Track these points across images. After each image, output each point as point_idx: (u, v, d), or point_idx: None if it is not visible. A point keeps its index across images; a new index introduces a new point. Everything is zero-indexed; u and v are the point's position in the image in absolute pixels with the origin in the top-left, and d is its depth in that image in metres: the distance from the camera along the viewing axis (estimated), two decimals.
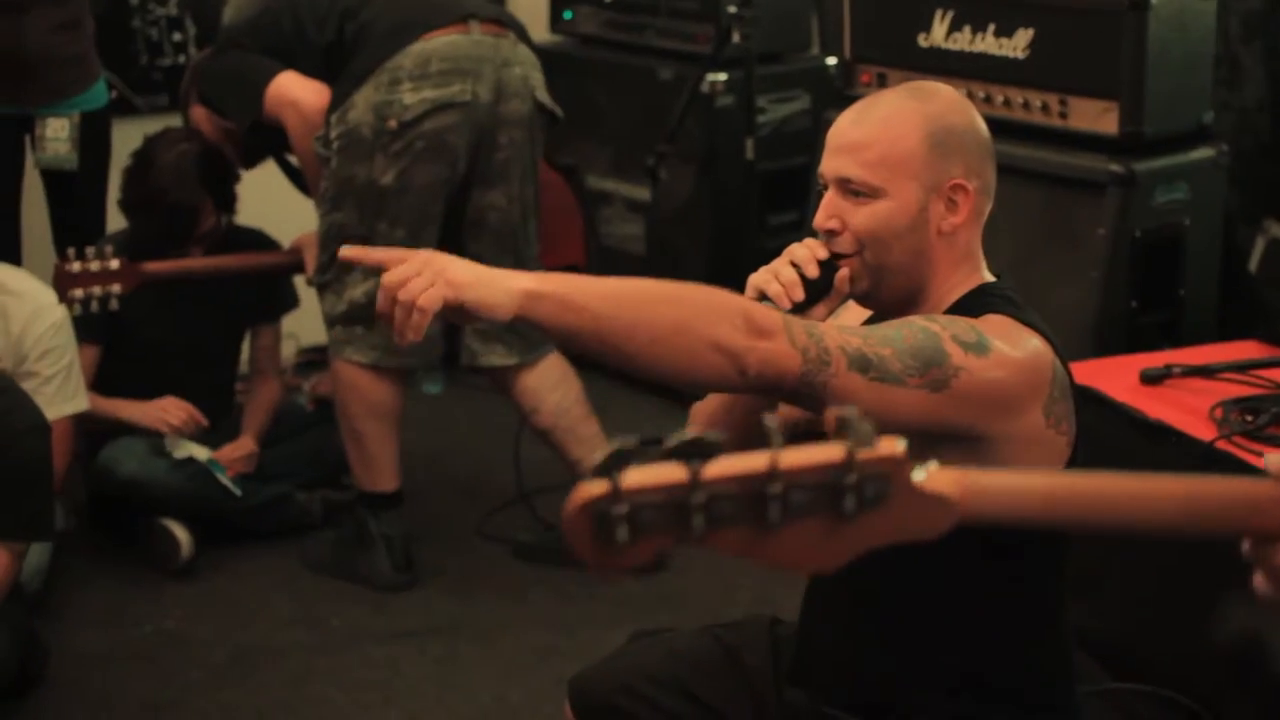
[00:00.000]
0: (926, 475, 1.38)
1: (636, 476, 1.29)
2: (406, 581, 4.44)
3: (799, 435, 2.59)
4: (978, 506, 1.47)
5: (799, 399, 2.16)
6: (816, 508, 1.32)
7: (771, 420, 1.31)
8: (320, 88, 4.35)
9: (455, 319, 2.12)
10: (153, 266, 4.51)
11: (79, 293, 4.36)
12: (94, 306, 4.39)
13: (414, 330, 2.07)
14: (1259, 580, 1.59)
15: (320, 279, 4.43)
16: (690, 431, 1.30)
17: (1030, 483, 1.54)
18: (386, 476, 4.46)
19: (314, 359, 5.96)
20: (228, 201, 4.73)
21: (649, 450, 1.31)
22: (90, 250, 4.38)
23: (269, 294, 4.90)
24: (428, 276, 2.05)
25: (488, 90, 4.29)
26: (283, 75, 4.39)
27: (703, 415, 2.55)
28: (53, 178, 4.85)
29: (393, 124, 4.23)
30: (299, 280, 4.86)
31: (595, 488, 1.29)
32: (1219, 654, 3.10)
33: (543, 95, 4.43)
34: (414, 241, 4.19)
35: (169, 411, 4.60)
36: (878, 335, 2.18)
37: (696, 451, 1.29)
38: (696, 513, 1.29)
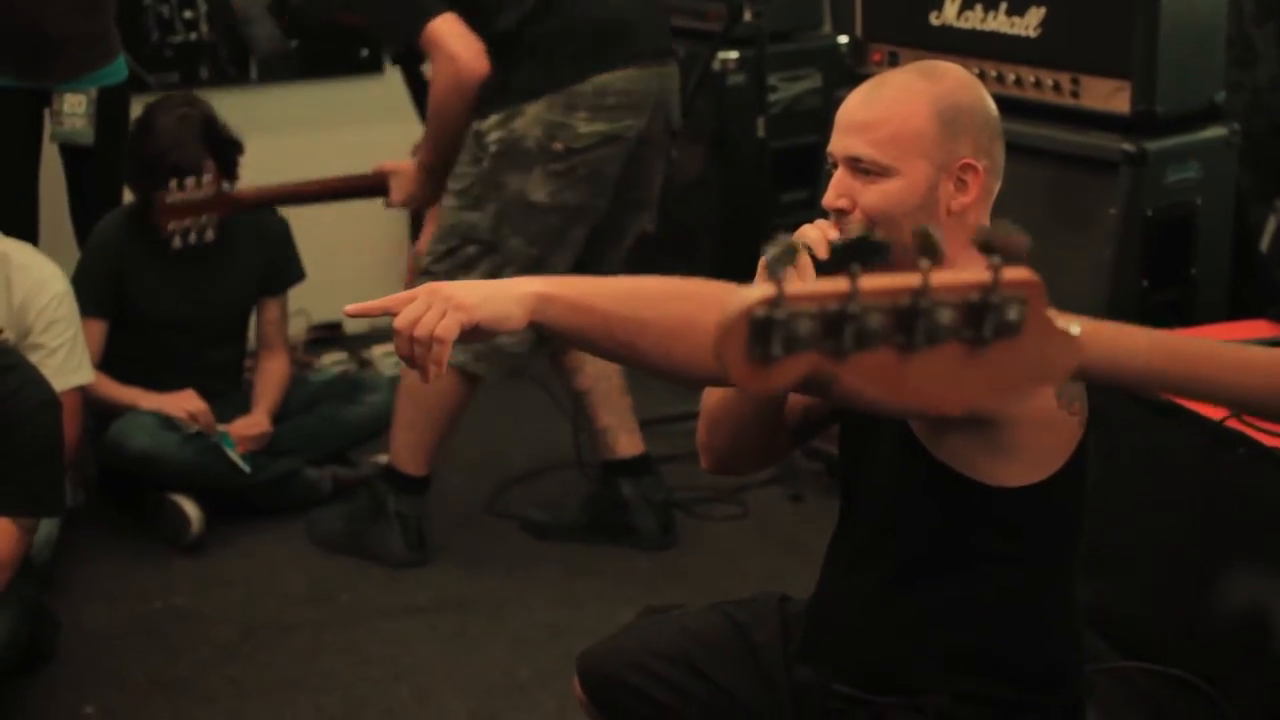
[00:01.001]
0: (1060, 316, 1.38)
1: (799, 286, 1.27)
2: (418, 560, 4.44)
3: (818, 422, 2.61)
4: (1097, 353, 1.47)
5: (810, 389, 2.15)
6: (956, 330, 1.31)
7: (933, 230, 1.31)
8: (482, 53, 4.21)
9: (474, 339, 2.12)
10: (242, 191, 4.52)
11: (180, 224, 4.38)
12: (192, 239, 4.43)
13: (436, 364, 2.07)
14: None
15: (432, 267, 4.31)
16: (855, 227, 1.31)
17: (1143, 336, 1.55)
18: (422, 464, 4.44)
19: (324, 335, 5.97)
20: (229, 166, 4.71)
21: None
22: (189, 181, 4.39)
23: (275, 267, 4.89)
24: (438, 307, 2.06)
25: (646, 121, 4.30)
26: (452, 21, 4.22)
27: (714, 399, 2.55)
28: (70, 152, 4.86)
29: (560, 147, 4.20)
30: (322, 242, 4.85)
31: (762, 292, 1.27)
32: (1225, 626, 3.11)
33: (677, 116, 4.45)
34: (542, 263, 4.20)
35: (189, 403, 4.60)
36: None
37: (860, 253, 1.29)
38: (850, 325, 1.28)
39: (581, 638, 3.08)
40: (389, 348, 5.77)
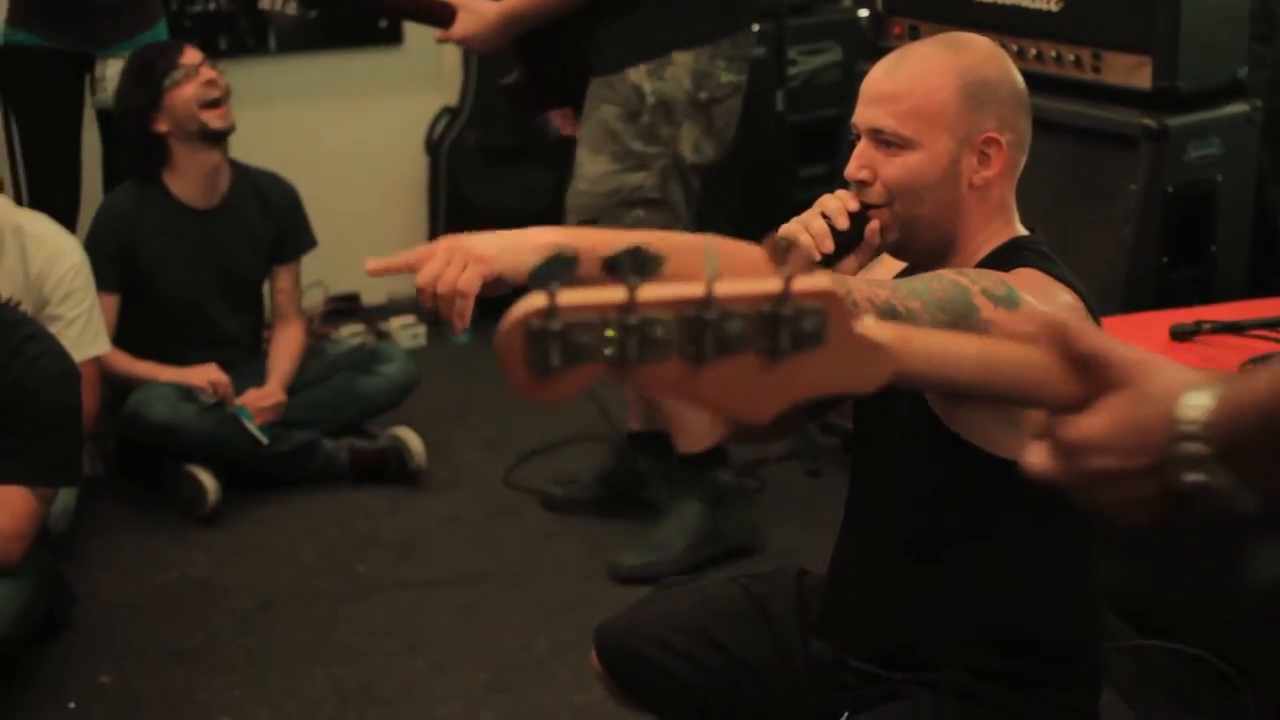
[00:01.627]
0: (864, 324, 1.34)
1: (573, 296, 1.24)
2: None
3: (825, 405, 2.61)
4: (912, 365, 1.44)
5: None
6: (749, 342, 1.26)
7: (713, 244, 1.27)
8: None
9: (496, 290, 2.11)
10: None
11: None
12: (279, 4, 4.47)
13: (460, 316, 2.08)
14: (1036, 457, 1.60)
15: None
16: (633, 241, 1.25)
17: (964, 347, 1.51)
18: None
19: (341, 307, 5.97)
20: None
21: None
22: None
23: (284, 234, 4.90)
24: (458, 262, 2.07)
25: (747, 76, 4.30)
26: None
27: None
28: (109, 119, 4.87)
29: (704, 96, 4.15)
30: (340, 213, 4.85)
31: (533, 302, 1.24)
32: (1248, 603, 3.10)
33: None
34: (685, 219, 4.19)
35: (210, 373, 4.60)
36: (907, 288, 2.17)
37: (635, 265, 1.23)
38: (630, 337, 1.24)
39: (598, 610, 3.09)
40: (406, 319, 5.79)
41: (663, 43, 4.11)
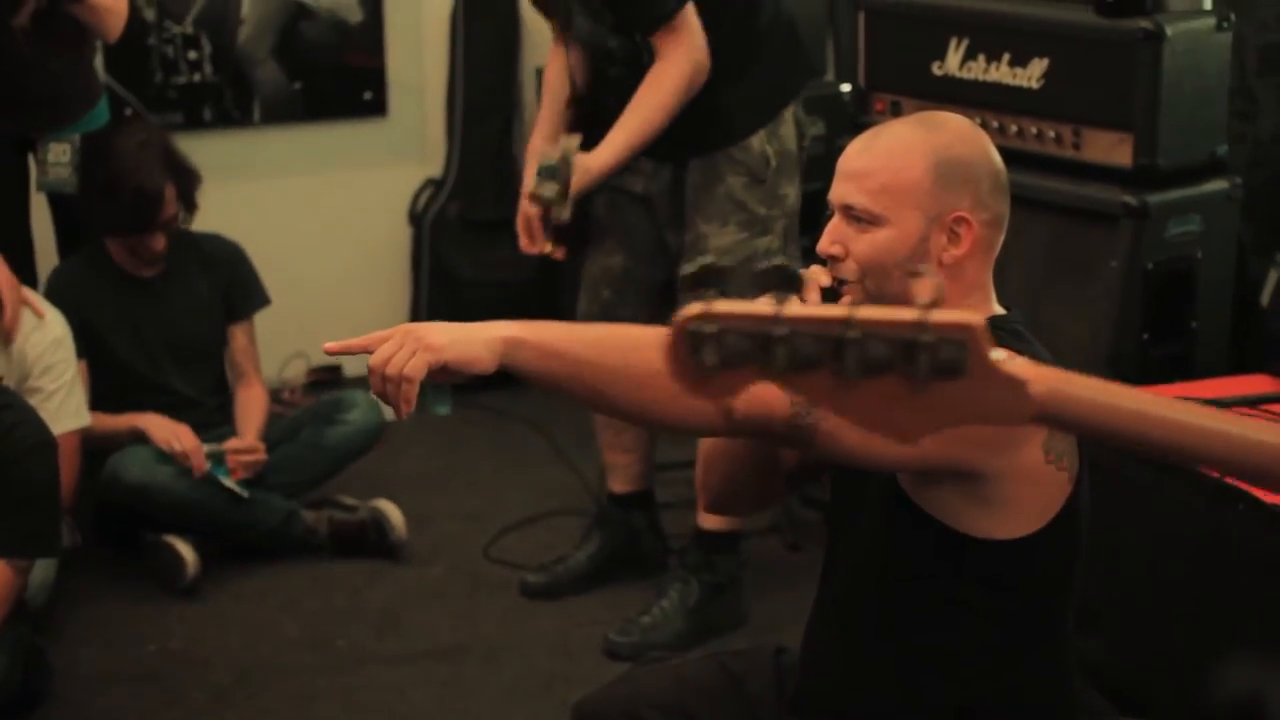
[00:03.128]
0: (1006, 360, 1.37)
1: (726, 304, 1.34)
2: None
3: (814, 467, 2.61)
4: (1059, 409, 1.46)
5: (788, 441, 2.18)
6: (892, 364, 1.32)
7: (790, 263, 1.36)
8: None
9: (444, 379, 2.18)
10: None
11: None
12: None
13: (405, 401, 2.15)
14: None
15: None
16: (777, 260, 1.37)
17: (1119, 400, 1.52)
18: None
19: (323, 379, 5.96)
20: (189, 194, 4.70)
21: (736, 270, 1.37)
22: None
23: (233, 293, 4.89)
24: (409, 347, 2.14)
25: None
26: (693, 8, 3.99)
27: (710, 440, 2.55)
28: (57, 200, 4.86)
29: (806, 142, 4.24)
30: (322, 284, 4.85)
31: (694, 308, 1.34)
32: (1223, 685, 3.09)
33: None
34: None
35: (180, 438, 4.59)
36: None
37: (781, 280, 1.34)
38: (779, 346, 1.33)
39: (577, 687, 3.08)
40: None
41: (779, 102, 4.17)
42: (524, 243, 4.19)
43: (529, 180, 4.14)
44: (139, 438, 4.60)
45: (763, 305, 1.33)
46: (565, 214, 4.01)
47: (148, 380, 4.74)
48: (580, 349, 2.14)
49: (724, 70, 4.10)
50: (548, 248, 4.17)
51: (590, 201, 4.25)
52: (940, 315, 1.31)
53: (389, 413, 2.33)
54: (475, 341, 2.14)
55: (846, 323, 1.31)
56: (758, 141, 4.16)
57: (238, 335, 4.91)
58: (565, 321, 2.36)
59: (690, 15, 3.98)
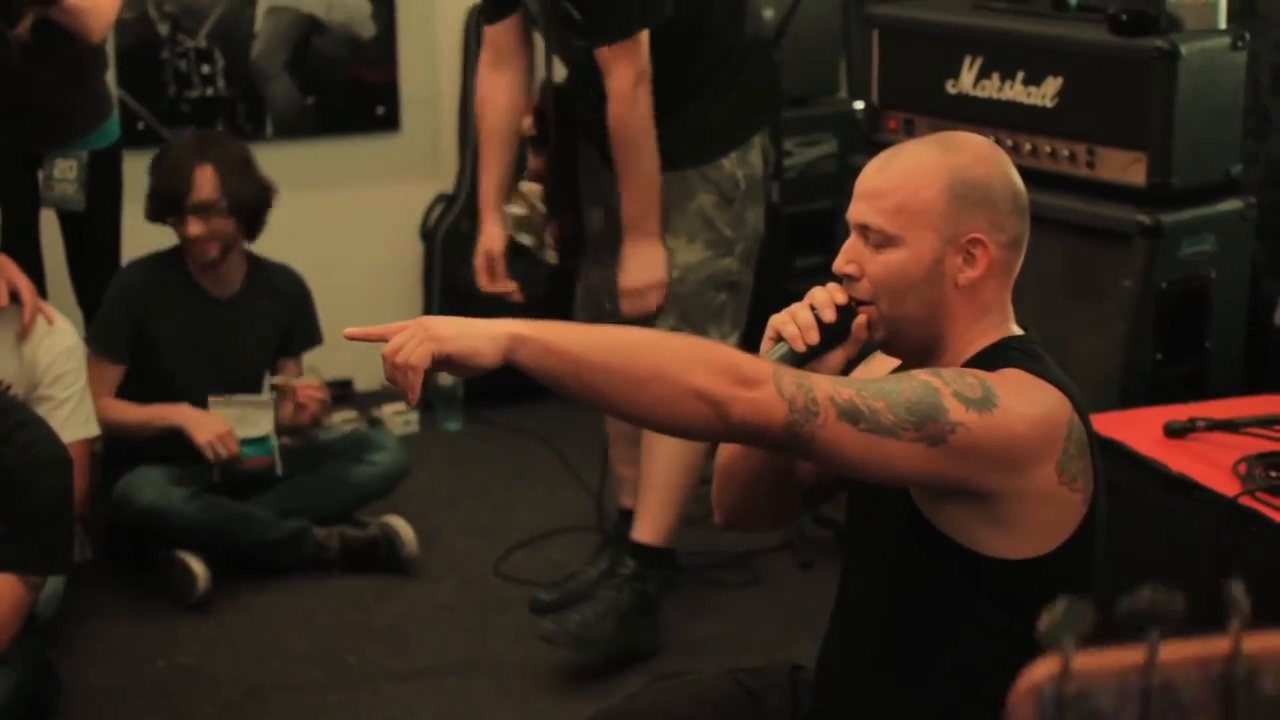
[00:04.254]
0: None
1: (1089, 660, 1.11)
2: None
3: (830, 485, 2.60)
4: None
5: (787, 448, 2.20)
6: None
7: (1238, 589, 1.15)
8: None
9: (448, 370, 2.24)
10: None
11: None
12: None
13: (410, 389, 2.20)
14: None
15: (680, 327, 4.18)
16: (1146, 592, 1.12)
17: None
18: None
19: (334, 394, 5.95)
20: (245, 202, 4.72)
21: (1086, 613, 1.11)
22: None
23: (293, 328, 4.91)
24: (417, 337, 2.19)
25: None
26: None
27: (726, 456, 2.55)
28: (65, 216, 4.86)
29: (770, 170, 4.36)
30: (335, 301, 5.03)
31: (1046, 667, 1.13)
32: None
33: None
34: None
35: (219, 441, 4.60)
36: (873, 388, 2.19)
37: (1154, 616, 1.11)
38: (1157, 701, 1.12)
39: (588, 702, 3.07)
40: (398, 406, 5.78)
41: (750, 128, 4.24)
42: (483, 281, 4.34)
43: (489, 231, 4.29)
44: (166, 434, 4.61)
45: (1129, 654, 1.12)
46: (552, 257, 4.06)
47: (185, 396, 4.72)
48: (582, 348, 2.17)
49: (701, 91, 4.18)
50: (511, 287, 4.32)
51: (587, 216, 4.29)
52: None
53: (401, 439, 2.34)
54: (480, 335, 2.18)
55: (1232, 658, 1.12)
56: (729, 164, 4.22)
57: (288, 368, 4.92)
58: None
59: (642, 38, 4.03)
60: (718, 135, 4.20)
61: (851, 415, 2.14)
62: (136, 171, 4.94)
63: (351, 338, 2.29)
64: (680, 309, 4.21)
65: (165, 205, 4.66)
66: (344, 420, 5.65)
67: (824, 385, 2.16)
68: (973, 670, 2.37)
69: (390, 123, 6.11)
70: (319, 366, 5.62)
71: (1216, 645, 1.13)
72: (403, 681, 4.16)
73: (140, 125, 5.64)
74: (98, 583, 4.59)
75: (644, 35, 4.03)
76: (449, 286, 6.04)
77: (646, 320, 4.11)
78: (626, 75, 4.01)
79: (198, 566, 4.50)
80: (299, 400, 4.72)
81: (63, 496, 3.76)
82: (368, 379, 6.03)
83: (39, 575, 3.72)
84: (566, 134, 4.26)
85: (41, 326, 4.31)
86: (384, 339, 2.22)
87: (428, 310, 6.09)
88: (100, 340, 4.64)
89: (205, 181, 4.63)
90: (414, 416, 5.80)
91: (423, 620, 4.47)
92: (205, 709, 4.03)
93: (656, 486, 4.25)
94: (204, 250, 4.66)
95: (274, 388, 4.79)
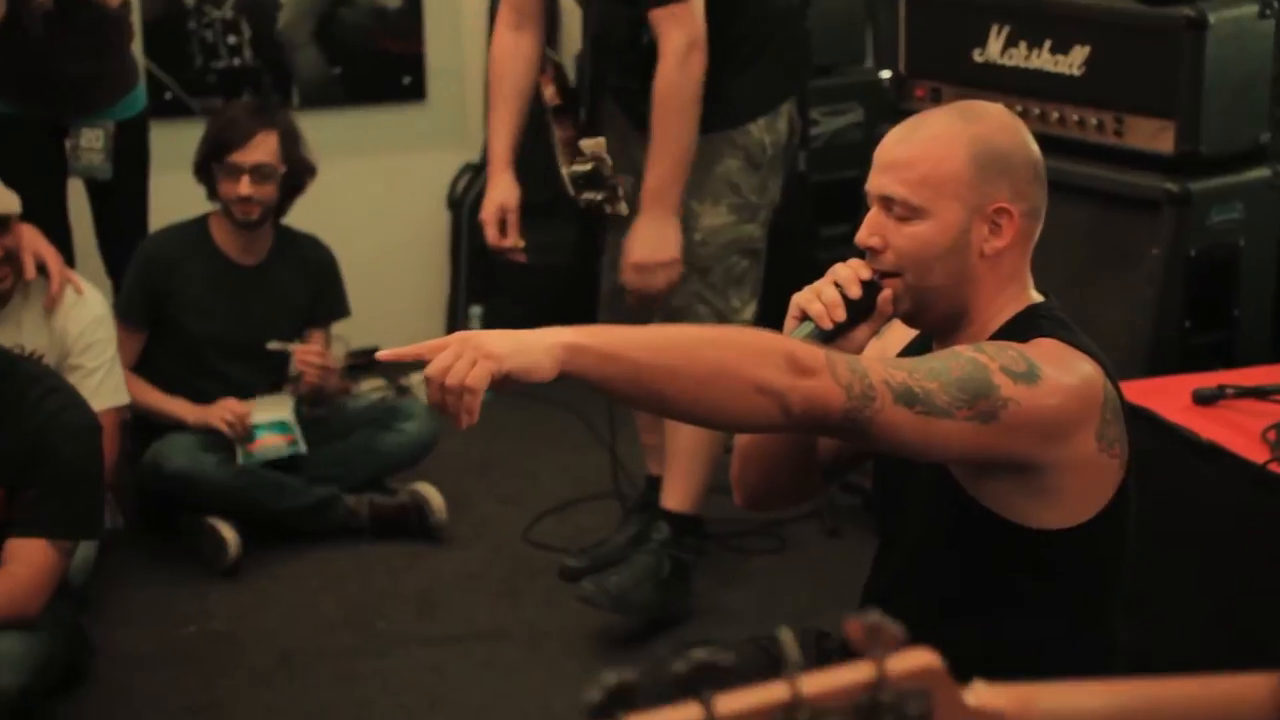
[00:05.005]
0: (974, 694, 1.28)
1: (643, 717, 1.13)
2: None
3: (849, 461, 2.61)
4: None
5: (844, 434, 2.19)
6: None
7: (787, 636, 1.16)
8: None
9: (503, 389, 2.14)
10: None
11: None
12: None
13: (468, 412, 2.11)
14: None
15: (703, 291, 4.22)
16: (697, 653, 1.13)
17: (1090, 701, 1.47)
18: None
19: (362, 362, 5.97)
20: (294, 173, 4.78)
21: (653, 682, 1.12)
22: None
23: (320, 299, 4.93)
24: (468, 356, 2.09)
25: None
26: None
27: (745, 436, 2.56)
28: (93, 185, 4.88)
29: (796, 139, 4.36)
30: (363, 269, 5.13)
31: None
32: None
33: None
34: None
35: (233, 416, 4.63)
36: (924, 368, 2.18)
37: (707, 679, 1.12)
38: None
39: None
40: None
41: (779, 95, 4.22)
42: (492, 235, 4.32)
43: (501, 186, 4.27)
44: (179, 426, 4.64)
45: (686, 711, 1.13)
46: (623, 208, 4.04)
47: (210, 364, 4.76)
48: (639, 352, 2.11)
49: (734, 56, 4.14)
50: (520, 243, 4.32)
51: (616, 181, 4.28)
52: (897, 664, 1.18)
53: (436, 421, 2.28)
54: (535, 349, 2.09)
55: (793, 706, 1.14)
56: (757, 130, 4.21)
57: (314, 339, 4.93)
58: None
59: (696, 4, 3.99)
60: (747, 101, 4.19)
61: (907, 398, 2.14)
62: (163, 142, 4.97)
63: (384, 359, 2.21)
64: (703, 274, 4.21)
65: (217, 159, 4.68)
66: (372, 388, 5.67)
67: (877, 369, 2.15)
68: (1008, 637, 2.38)
69: (416, 92, 6.12)
70: (346, 335, 5.65)
71: (776, 693, 1.14)
72: (433, 647, 4.18)
73: (167, 95, 5.66)
74: (128, 549, 4.62)
75: (698, 2, 4.01)
76: (476, 254, 6.05)
77: (649, 300, 4.10)
78: (680, 39, 3.99)
79: (228, 532, 4.52)
80: (298, 366, 4.72)
81: (93, 463, 3.78)
82: (395, 348, 6.03)
83: (70, 540, 3.74)
84: (597, 102, 4.27)
85: (70, 297, 4.33)
86: (420, 358, 2.14)
87: (455, 279, 6.10)
88: (120, 310, 4.66)
89: (268, 145, 4.67)
90: None
91: (452, 586, 4.50)
92: (236, 674, 4.06)
93: (683, 454, 4.27)
94: (248, 211, 4.68)
95: (271, 352, 4.81)
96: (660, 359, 2.11)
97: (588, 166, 4.03)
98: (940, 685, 1.21)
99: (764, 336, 2.18)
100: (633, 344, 2.13)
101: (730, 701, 1.13)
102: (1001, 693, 1.32)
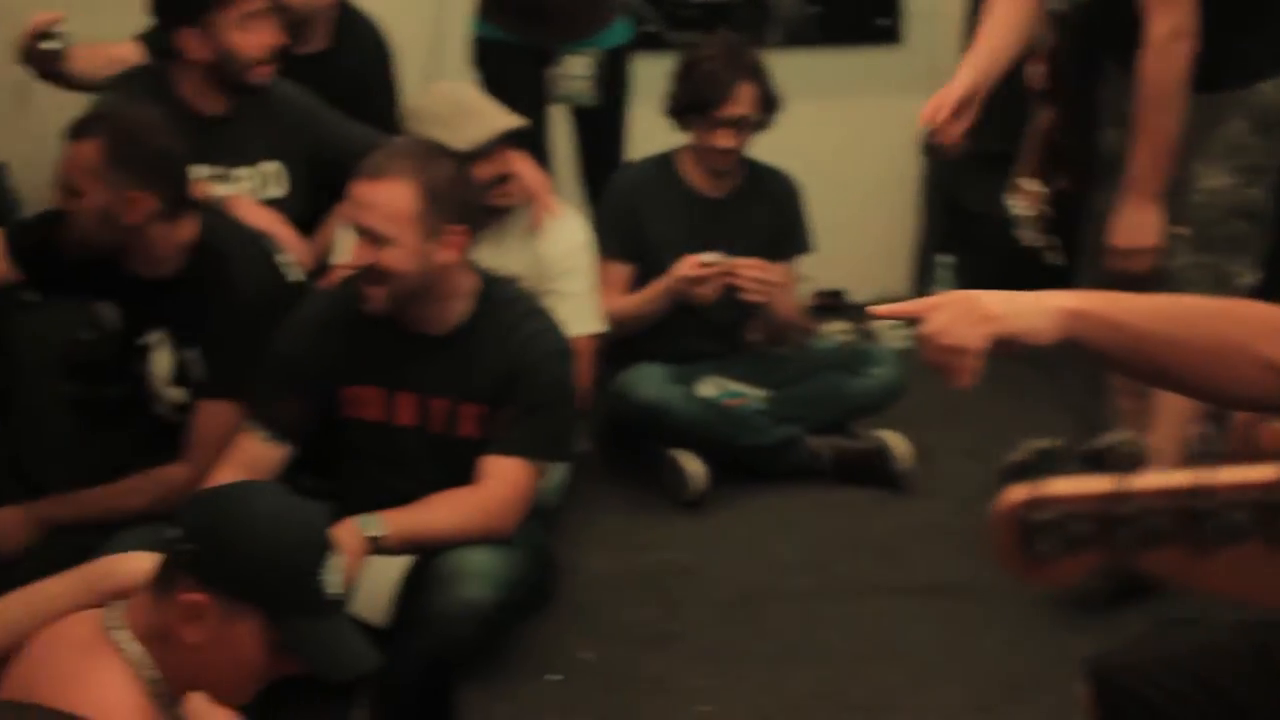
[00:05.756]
0: None
1: (1061, 485, 1.23)
2: None
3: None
4: None
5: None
6: (1254, 529, 1.21)
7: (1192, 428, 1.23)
8: None
9: (1002, 351, 2.09)
10: None
11: None
12: None
13: (970, 374, 2.08)
14: None
15: (1203, 256, 4.04)
16: (1113, 436, 1.21)
17: None
18: None
19: (827, 303, 5.96)
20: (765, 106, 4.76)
21: (1070, 453, 1.25)
22: None
23: (784, 230, 4.94)
24: (967, 317, 2.07)
25: None
26: None
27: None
28: (575, 112, 4.97)
29: None
30: (829, 210, 5.06)
31: (1018, 493, 1.25)
32: None
33: None
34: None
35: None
36: None
37: (1122, 458, 1.22)
38: (1124, 526, 1.22)
39: (1081, 637, 2.99)
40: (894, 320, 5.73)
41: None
42: (931, 112, 4.19)
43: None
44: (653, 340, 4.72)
45: (1100, 482, 1.23)
46: (1058, 259, 3.95)
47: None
48: (1143, 320, 2.05)
49: (1244, 11, 3.91)
50: (958, 133, 4.19)
51: (1102, 135, 4.13)
52: None
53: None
54: (1037, 312, 2.06)
55: (1197, 492, 1.20)
56: (1269, 89, 3.95)
57: (779, 272, 4.91)
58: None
59: None
60: (1257, 58, 3.98)
61: None
62: (642, 74, 5.02)
63: (881, 316, 2.21)
64: (1201, 237, 4.03)
65: (695, 110, 4.69)
66: (837, 330, 5.65)
67: None
68: None
69: (891, 35, 6.07)
70: (812, 275, 5.65)
71: (1182, 479, 1.22)
72: (891, 596, 4.15)
73: (649, 28, 5.71)
74: (596, 475, 4.70)
75: None
76: (945, 201, 5.97)
77: (1131, 280, 3.94)
78: (1164, 26, 3.82)
79: (695, 466, 4.56)
80: (731, 279, 4.63)
81: (567, 386, 3.84)
82: (860, 290, 6.01)
83: (544, 460, 3.81)
84: (1081, 82, 4.12)
85: (552, 222, 4.43)
86: (914, 316, 2.12)
87: (927, 228, 6.03)
88: (603, 242, 4.70)
89: (747, 97, 4.68)
90: (909, 331, 5.75)
91: (913, 537, 4.45)
92: (700, 606, 4.09)
93: (1175, 415, 4.11)
94: (725, 160, 4.71)
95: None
96: (1164, 329, 2.04)
97: (1027, 211, 3.95)
98: None
99: (1275, 312, 2.08)
100: (1136, 312, 2.07)
101: (1142, 481, 1.24)
102: None
